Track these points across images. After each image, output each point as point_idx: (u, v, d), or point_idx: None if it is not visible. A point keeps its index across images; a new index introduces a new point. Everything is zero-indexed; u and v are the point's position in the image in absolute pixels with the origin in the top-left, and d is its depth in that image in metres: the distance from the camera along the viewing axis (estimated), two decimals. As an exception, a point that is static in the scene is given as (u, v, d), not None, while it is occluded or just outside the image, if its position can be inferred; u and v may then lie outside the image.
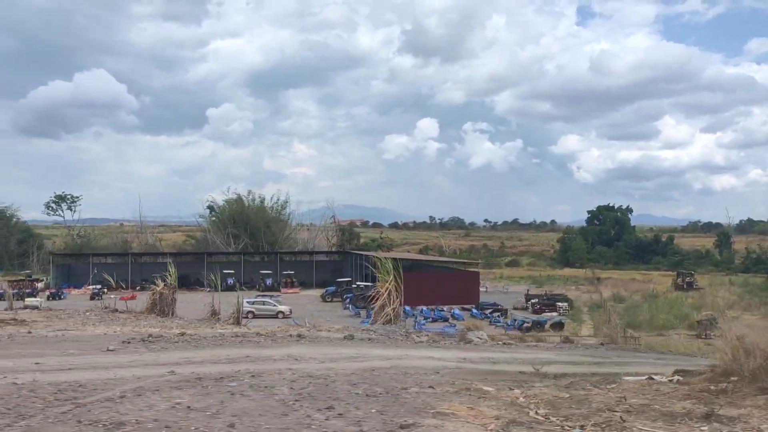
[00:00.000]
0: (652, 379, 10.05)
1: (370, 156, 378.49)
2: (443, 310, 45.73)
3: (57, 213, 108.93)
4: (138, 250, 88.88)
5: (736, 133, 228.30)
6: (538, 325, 40.65)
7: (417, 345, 18.75)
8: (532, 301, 52.31)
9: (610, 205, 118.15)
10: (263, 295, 51.99)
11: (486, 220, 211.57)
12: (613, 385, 9.68)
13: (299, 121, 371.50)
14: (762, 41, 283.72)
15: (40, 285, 61.24)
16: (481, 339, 22.34)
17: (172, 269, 29.93)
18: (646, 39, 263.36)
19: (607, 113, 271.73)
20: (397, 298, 27.74)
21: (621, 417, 6.82)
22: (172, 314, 27.39)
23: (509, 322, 42.25)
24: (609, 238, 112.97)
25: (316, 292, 60.72)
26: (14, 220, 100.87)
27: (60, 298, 54.18)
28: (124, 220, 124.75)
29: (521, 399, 8.34)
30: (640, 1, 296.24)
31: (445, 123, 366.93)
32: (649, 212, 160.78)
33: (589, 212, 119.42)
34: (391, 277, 27.93)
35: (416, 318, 39.24)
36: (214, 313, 27.17)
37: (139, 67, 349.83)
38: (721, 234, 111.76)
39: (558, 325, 40.88)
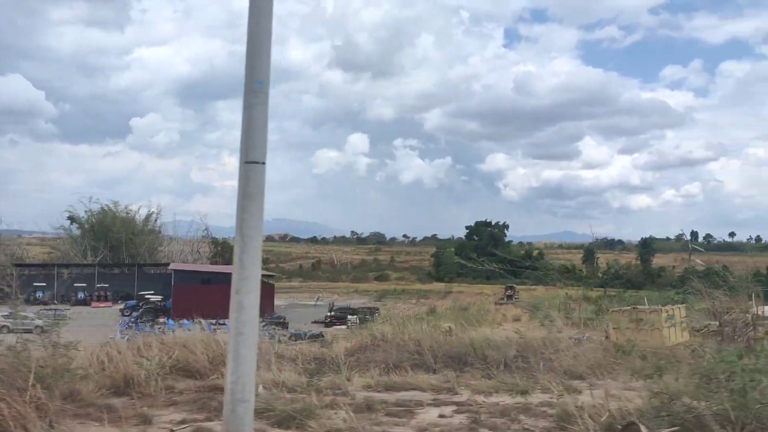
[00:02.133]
0: None
1: (301, 170, 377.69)
2: (224, 323, 46.04)
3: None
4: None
5: (651, 155, 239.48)
6: (298, 338, 41.46)
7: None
8: (328, 313, 53.36)
9: (487, 220, 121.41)
10: (49, 309, 51.26)
11: (405, 235, 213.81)
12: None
13: (229, 133, 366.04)
14: (675, 69, 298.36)
15: None
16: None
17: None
18: (568, 63, 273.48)
19: (532, 133, 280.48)
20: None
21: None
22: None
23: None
24: (484, 253, 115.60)
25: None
26: None
27: None
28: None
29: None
30: (564, 26, 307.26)
31: (376, 138, 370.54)
32: (572, 230, 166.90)
33: (467, 227, 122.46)
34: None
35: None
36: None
37: (59, 74, 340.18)
38: (587, 250, 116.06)
39: (316, 337, 41.78)
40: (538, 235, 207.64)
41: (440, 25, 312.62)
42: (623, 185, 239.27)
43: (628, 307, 33.78)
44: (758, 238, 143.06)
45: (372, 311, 55.40)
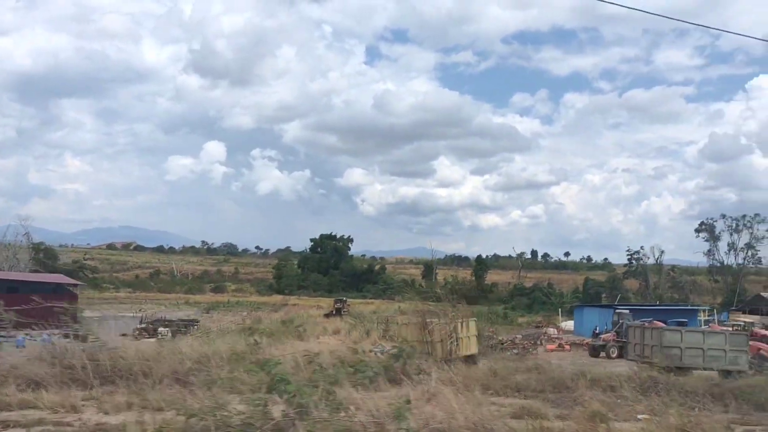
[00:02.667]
0: None
1: (152, 176, 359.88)
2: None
3: None
4: None
5: (501, 177, 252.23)
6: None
7: None
8: (138, 326, 50.48)
9: (332, 234, 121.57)
10: None
11: (257, 247, 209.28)
12: None
13: (73, 134, 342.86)
14: (524, 96, 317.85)
15: None
16: None
17: None
18: (426, 84, 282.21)
19: (390, 150, 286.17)
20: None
21: None
22: None
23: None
24: (327, 266, 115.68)
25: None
26: None
27: None
28: None
29: None
30: (423, 48, 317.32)
31: (233, 147, 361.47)
32: (424, 245, 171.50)
33: (311, 240, 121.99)
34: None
35: None
36: None
37: None
38: (427, 265, 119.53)
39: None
40: (394, 251, 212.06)
41: (302, 37, 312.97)
42: (474, 204, 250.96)
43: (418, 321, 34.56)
44: (589, 258, 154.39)
45: (190, 324, 52.99)
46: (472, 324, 34.82)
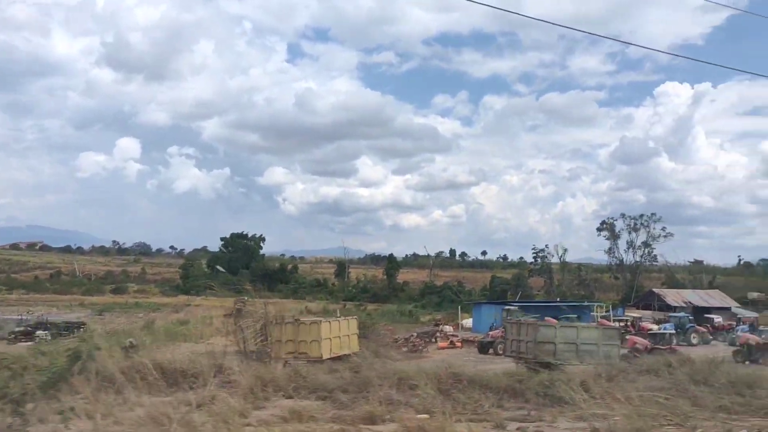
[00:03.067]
0: None
1: (63, 173, 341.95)
2: None
3: None
4: None
5: (422, 177, 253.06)
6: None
7: None
8: (16, 328, 47.61)
9: (243, 232, 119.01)
10: None
11: (172, 246, 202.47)
12: None
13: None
14: (445, 97, 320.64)
15: None
16: None
17: None
18: (348, 83, 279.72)
19: (311, 149, 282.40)
20: None
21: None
22: None
23: None
24: (238, 265, 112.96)
25: None
26: None
27: None
28: None
29: None
30: (345, 47, 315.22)
31: (149, 144, 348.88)
32: (349, 245, 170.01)
33: (222, 239, 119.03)
34: None
35: None
36: None
37: None
38: (340, 264, 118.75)
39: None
40: (316, 250, 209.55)
41: (222, 33, 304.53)
42: (396, 204, 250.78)
43: (293, 320, 33.61)
44: (505, 257, 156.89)
45: (75, 326, 50.22)
46: (353, 323, 34.24)
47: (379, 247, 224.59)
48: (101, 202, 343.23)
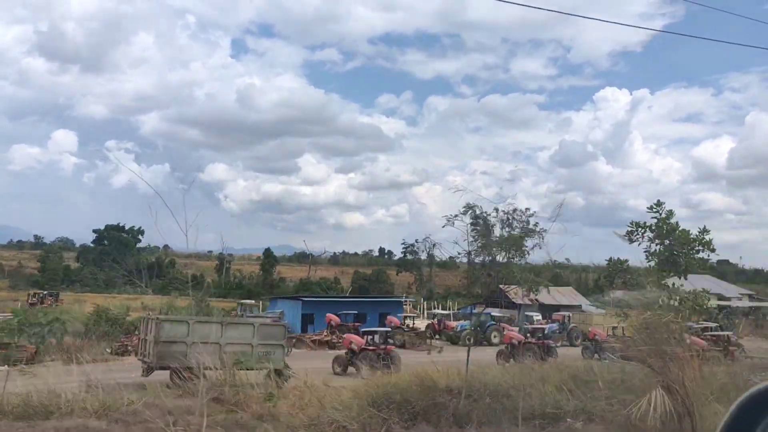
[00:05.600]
0: None
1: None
2: None
3: None
4: None
5: (365, 176, 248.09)
6: None
7: None
8: None
9: (120, 224, 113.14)
10: None
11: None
12: None
13: None
14: (390, 97, 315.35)
15: None
16: None
17: None
18: (292, 80, 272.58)
19: (254, 146, 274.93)
20: None
21: None
22: None
23: None
24: (111, 259, 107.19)
25: None
26: None
27: None
28: None
29: None
30: (290, 44, 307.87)
31: (86, 138, 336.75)
32: (290, 243, 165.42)
33: (95, 231, 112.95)
34: None
35: None
36: None
37: None
38: (221, 259, 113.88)
39: None
40: (257, 248, 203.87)
41: (162, 26, 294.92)
42: (339, 203, 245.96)
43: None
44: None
45: None
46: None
47: (322, 245, 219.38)
48: (35, 196, 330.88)
